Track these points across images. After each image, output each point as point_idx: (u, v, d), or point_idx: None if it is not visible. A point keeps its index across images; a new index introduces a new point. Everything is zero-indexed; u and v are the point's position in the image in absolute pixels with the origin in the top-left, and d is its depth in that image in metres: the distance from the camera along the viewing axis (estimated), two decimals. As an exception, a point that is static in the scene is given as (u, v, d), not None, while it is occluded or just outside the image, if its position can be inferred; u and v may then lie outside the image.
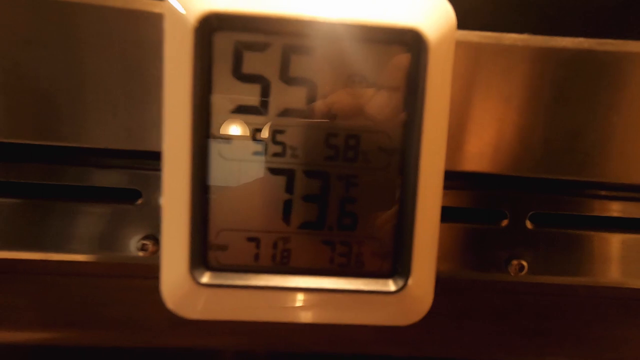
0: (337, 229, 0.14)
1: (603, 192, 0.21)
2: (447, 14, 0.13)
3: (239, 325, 0.23)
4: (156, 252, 0.21)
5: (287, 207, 0.14)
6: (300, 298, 0.14)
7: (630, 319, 0.24)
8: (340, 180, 0.14)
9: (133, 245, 0.20)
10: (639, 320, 0.24)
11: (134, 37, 0.16)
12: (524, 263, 0.21)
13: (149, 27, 0.16)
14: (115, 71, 0.17)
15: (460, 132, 0.18)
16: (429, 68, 0.13)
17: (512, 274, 0.21)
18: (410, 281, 0.14)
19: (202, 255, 0.13)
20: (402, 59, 0.13)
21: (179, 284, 0.13)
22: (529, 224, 0.21)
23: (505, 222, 0.21)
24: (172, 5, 0.12)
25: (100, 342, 0.24)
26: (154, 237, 0.21)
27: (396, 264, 0.14)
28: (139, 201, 0.20)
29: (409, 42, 0.13)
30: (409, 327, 0.23)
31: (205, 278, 0.13)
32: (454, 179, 0.20)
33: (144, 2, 0.16)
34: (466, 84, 0.17)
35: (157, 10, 0.16)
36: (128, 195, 0.20)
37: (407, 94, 0.13)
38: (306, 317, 0.14)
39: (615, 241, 0.21)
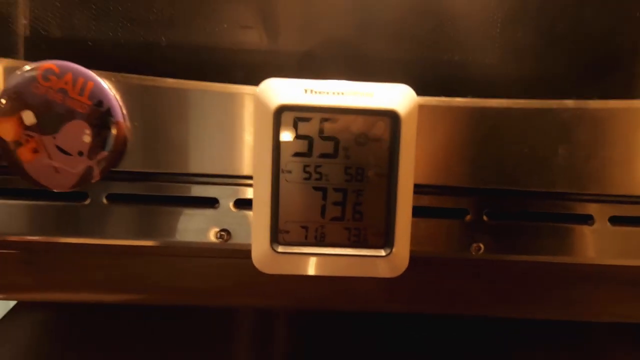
0: (352, 221, 0.24)
1: (534, 196, 0.30)
2: (412, 97, 0.23)
3: (280, 288, 0.31)
4: (228, 240, 0.28)
5: (323, 208, 0.24)
6: (330, 260, 0.24)
7: (572, 285, 0.33)
8: (353, 193, 0.24)
9: (213, 235, 0.28)
10: (577, 285, 0.33)
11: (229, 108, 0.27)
12: (482, 245, 0.30)
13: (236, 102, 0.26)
14: (215, 128, 0.27)
15: (434, 161, 0.27)
16: (401, 129, 0.23)
17: (473, 253, 0.31)
18: (394, 250, 0.24)
19: (276, 235, 0.24)
20: (387, 124, 0.23)
21: (264, 253, 0.24)
22: (485, 218, 0.29)
23: (468, 217, 0.29)
24: (260, 99, 0.23)
25: (187, 302, 0.34)
26: (227, 230, 0.28)
27: (386, 239, 0.24)
28: (216, 205, 0.28)
29: (390, 115, 0.23)
30: (404, 289, 0.32)
31: (280, 249, 0.24)
32: (434, 189, 0.28)
33: (235, 87, 0.26)
34: (433, 130, 0.27)
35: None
36: (210, 202, 0.28)
37: (390, 143, 0.24)
38: (333, 272, 0.24)
39: (548, 227, 0.29)
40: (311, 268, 0.24)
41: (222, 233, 0.28)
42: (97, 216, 0.29)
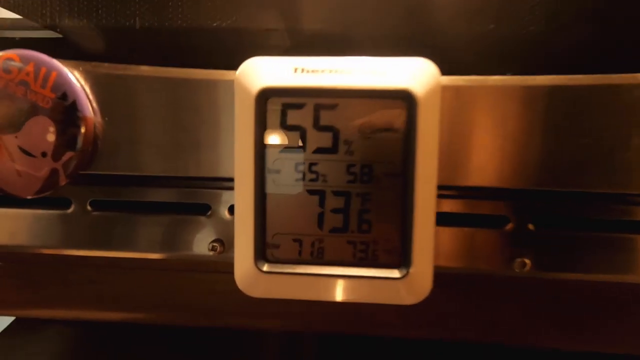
0: (357, 232, 0.19)
1: (593, 199, 0.24)
2: (432, 74, 0.18)
3: (283, 309, 0.28)
4: (223, 252, 0.25)
5: (321, 217, 0.19)
6: (331, 282, 0.19)
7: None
8: (358, 197, 0.19)
9: (205, 246, 0.25)
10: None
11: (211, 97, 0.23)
12: (527, 261, 0.25)
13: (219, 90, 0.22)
14: (202, 123, 0.23)
15: (467, 156, 0.22)
16: (419, 115, 0.18)
17: (516, 270, 0.25)
18: (412, 270, 0.18)
19: (262, 251, 0.19)
20: (400, 109, 0.18)
21: (247, 272, 0.19)
22: (531, 227, 0.24)
23: (509, 226, 0.24)
24: (241, 83, 0.19)
25: (176, 321, 0.30)
26: (221, 240, 0.25)
27: (401, 257, 0.19)
28: (209, 213, 0.25)
29: (404, 97, 0.18)
30: (428, 313, 0.27)
31: (266, 267, 0.19)
32: (465, 191, 0.24)
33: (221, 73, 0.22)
34: (464, 119, 0.21)
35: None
36: (201, 209, 0.25)
37: (405, 134, 0.18)
38: (335, 297, 0.19)
39: (613, 239, 0.24)
40: (306, 291, 0.19)
41: (215, 244, 0.25)
42: (82, 225, 0.27)
